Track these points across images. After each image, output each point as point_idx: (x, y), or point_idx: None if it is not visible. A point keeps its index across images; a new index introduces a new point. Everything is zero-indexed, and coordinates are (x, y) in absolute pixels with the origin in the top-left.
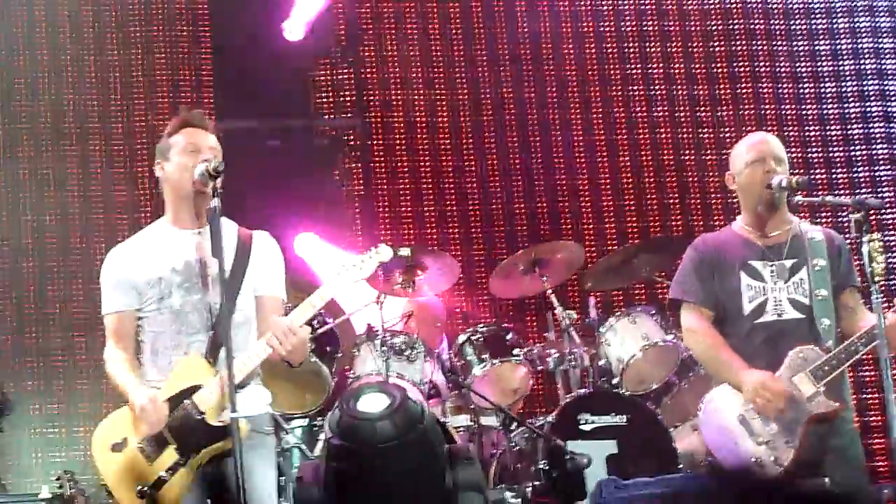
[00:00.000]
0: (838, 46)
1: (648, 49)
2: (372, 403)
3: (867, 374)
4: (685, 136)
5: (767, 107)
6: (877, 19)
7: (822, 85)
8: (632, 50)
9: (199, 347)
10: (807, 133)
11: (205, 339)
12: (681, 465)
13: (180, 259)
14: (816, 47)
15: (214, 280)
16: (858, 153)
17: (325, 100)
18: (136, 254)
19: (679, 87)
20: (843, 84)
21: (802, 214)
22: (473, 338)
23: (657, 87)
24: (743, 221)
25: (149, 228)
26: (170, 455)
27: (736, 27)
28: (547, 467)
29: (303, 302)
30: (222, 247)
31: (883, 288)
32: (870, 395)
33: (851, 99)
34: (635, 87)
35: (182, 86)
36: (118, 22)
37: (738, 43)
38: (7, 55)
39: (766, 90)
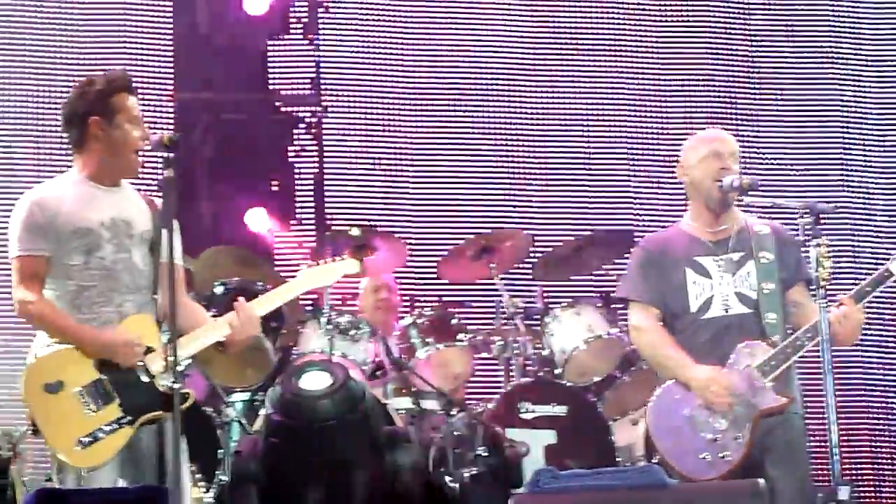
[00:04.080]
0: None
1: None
2: (314, 381)
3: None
4: (641, 131)
5: (721, 105)
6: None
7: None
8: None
9: (130, 308)
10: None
11: (133, 299)
12: (619, 459)
13: (107, 215)
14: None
15: (141, 241)
16: (811, 157)
17: (283, 76)
18: (57, 201)
19: (636, 80)
20: (802, 88)
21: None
22: (418, 321)
23: (617, 80)
24: (690, 217)
25: (61, 180)
26: (113, 411)
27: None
28: (485, 454)
29: (270, 291)
30: (173, 219)
31: (828, 294)
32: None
33: (809, 103)
34: (594, 81)
35: (140, 56)
36: None
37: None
38: None
39: (720, 90)
